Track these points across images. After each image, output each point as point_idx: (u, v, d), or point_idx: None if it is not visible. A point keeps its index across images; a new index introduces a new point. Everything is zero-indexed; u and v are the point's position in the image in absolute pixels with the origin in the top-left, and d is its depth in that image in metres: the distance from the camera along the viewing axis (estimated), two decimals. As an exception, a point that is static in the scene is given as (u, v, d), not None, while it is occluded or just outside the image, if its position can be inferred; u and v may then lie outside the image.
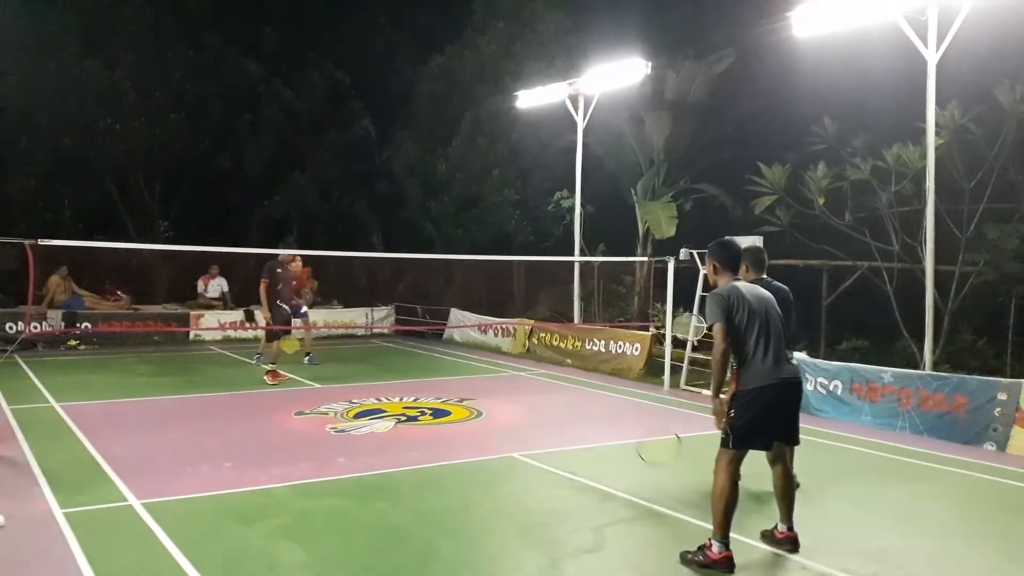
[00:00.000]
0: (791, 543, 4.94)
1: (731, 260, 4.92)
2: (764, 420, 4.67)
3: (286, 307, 11.52)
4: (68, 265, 15.95)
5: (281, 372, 11.40)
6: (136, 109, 19.20)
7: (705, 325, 4.65)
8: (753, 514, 5.42)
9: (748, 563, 4.77)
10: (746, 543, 5.01)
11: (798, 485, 5.97)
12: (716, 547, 4.61)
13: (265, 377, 11.23)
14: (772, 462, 4.98)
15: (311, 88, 21.79)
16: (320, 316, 17.08)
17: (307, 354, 13.04)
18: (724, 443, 4.70)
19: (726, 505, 4.62)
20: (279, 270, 11.46)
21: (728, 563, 4.58)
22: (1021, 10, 8.89)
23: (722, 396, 4.70)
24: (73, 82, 18.44)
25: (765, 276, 5.71)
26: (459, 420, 9.02)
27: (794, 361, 4.92)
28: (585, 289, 16.04)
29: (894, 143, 10.82)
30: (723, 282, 4.84)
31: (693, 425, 8.86)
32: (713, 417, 4.74)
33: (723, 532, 4.62)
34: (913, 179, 10.58)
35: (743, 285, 4.81)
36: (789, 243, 12.22)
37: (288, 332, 11.89)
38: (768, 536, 5.07)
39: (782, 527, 5.00)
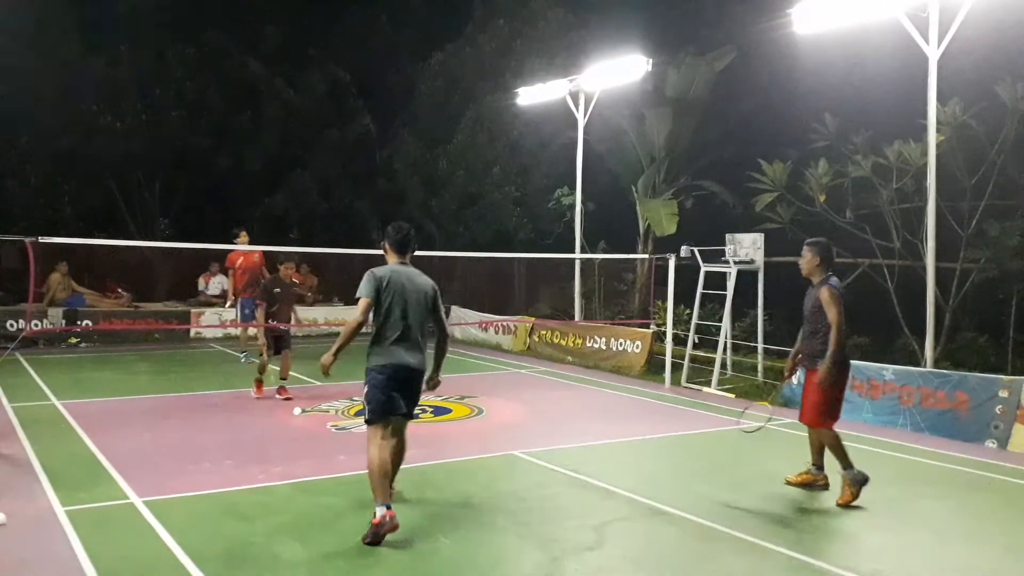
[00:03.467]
0: (390, 525, 4.88)
1: (398, 243, 5.38)
2: (392, 395, 5.11)
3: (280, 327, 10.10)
4: (69, 263, 15.96)
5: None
6: (137, 107, 19.19)
7: None
8: (754, 516, 5.42)
9: (750, 561, 4.77)
10: (749, 541, 5.01)
11: (825, 485, 6.18)
12: (379, 512, 4.86)
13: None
14: (392, 434, 5.24)
15: (311, 86, 21.76)
16: (321, 313, 17.13)
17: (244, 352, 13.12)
18: (368, 422, 5.14)
19: (373, 472, 4.96)
20: (277, 289, 10.00)
21: (389, 521, 4.83)
22: (1022, 7, 8.87)
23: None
24: (74, 80, 18.42)
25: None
26: (460, 418, 9.02)
27: (423, 352, 5.32)
28: (586, 286, 16.04)
29: (895, 140, 10.82)
30: (391, 261, 5.36)
31: (694, 423, 8.87)
32: (322, 364, 5.15)
33: (382, 497, 4.91)
34: (914, 176, 10.58)
35: (402, 269, 5.27)
36: (790, 240, 12.19)
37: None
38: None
39: (383, 509, 4.92)
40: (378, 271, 5.20)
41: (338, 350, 5.12)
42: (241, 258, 12.47)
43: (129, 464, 6.60)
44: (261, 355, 9.98)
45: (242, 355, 13.17)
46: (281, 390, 10.02)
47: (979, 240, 10.57)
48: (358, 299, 5.15)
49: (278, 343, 10.13)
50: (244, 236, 12.33)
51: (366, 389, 5.13)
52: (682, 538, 4.87)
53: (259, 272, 12.50)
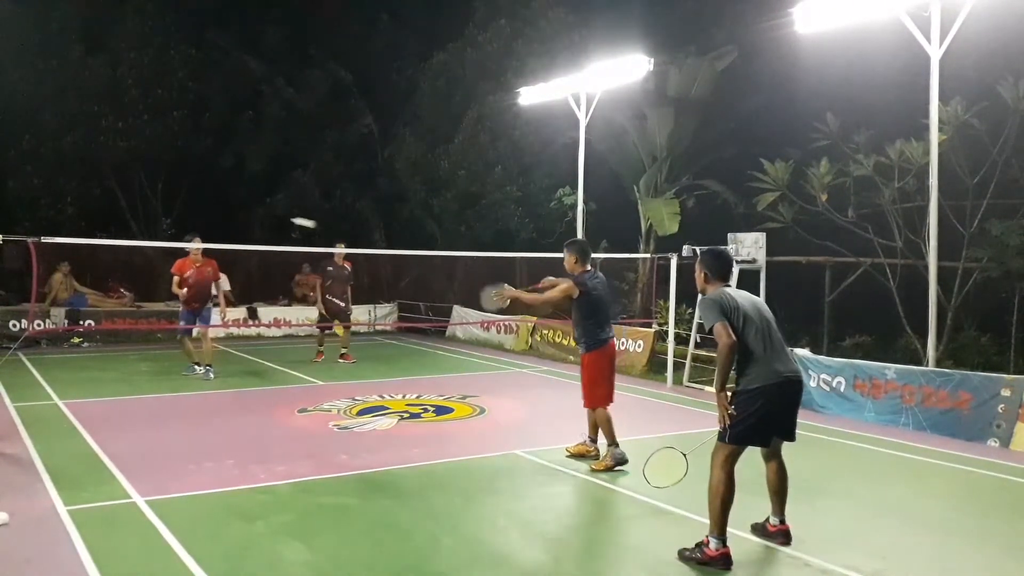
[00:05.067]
0: (783, 536, 4.98)
1: (721, 269, 5.05)
2: (764, 417, 4.69)
3: (336, 301, 13.09)
4: (71, 263, 15.99)
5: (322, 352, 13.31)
6: (138, 107, 19.22)
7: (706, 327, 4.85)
8: (756, 516, 5.40)
9: (750, 560, 4.77)
10: (752, 541, 5.01)
11: (597, 455, 6.96)
12: (713, 544, 4.58)
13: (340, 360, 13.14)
14: (767, 457, 5.01)
15: (313, 86, 21.79)
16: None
17: (208, 365, 11.48)
18: (721, 437, 4.72)
19: (723, 501, 4.61)
20: (329, 268, 13.10)
21: (726, 560, 4.56)
22: (1024, 6, 8.86)
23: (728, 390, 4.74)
24: (76, 80, 18.47)
25: (589, 268, 7.02)
26: (462, 417, 9.03)
27: (795, 359, 4.99)
28: (588, 286, 16.00)
29: (897, 139, 10.82)
30: (712, 289, 4.96)
31: (696, 421, 8.86)
32: (718, 411, 4.73)
33: (720, 528, 4.60)
34: (916, 175, 10.58)
35: (731, 290, 4.92)
36: (792, 239, 12.21)
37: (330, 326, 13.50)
38: (759, 529, 5.10)
39: (774, 520, 5.04)
40: (711, 296, 4.86)
41: (722, 385, 4.72)
42: (192, 271, 10.85)
43: (131, 464, 6.61)
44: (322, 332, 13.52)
45: (199, 369, 11.47)
46: (344, 356, 13.27)
47: (981, 239, 10.56)
48: (709, 331, 4.80)
49: (336, 317, 13.13)
50: (199, 242, 10.97)
51: (732, 410, 4.69)
52: (684, 538, 4.87)
53: (208, 287, 11.08)
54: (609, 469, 6.65)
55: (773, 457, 5.00)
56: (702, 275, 5.07)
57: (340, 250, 13.09)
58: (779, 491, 5.01)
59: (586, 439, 7.15)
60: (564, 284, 6.90)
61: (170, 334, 15.91)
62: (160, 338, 15.97)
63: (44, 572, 4.44)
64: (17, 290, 16.04)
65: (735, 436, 4.67)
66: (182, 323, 11.33)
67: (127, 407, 9.47)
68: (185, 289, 10.88)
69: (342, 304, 13.12)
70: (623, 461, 6.68)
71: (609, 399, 6.88)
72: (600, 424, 6.85)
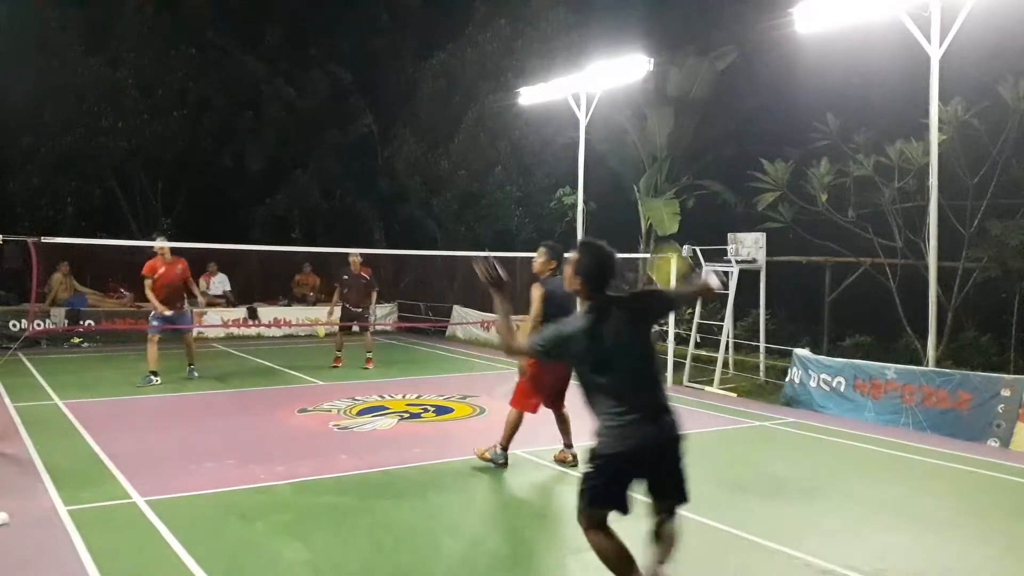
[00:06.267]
0: None
1: (603, 277, 3.73)
2: (625, 484, 3.86)
3: (353, 310, 12.66)
4: (71, 263, 15.99)
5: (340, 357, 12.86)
6: (138, 107, 19.21)
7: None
8: (757, 515, 5.41)
9: (750, 560, 4.76)
10: (752, 541, 5.01)
11: (575, 462, 6.71)
12: None
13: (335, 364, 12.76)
14: (654, 513, 4.08)
15: (313, 86, 21.80)
16: (322, 313, 17.12)
17: (190, 364, 11.64)
18: (580, 497, 3.88)
19: (619, 559, 3.88)
20: (345, 276, 12.75)
21: None
22: (1024, 6, 8.86)
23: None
24: (76, 80, 18.46)
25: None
26: (462, 417, 9.03)
27: (672, 413, 3.83)
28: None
29: (897, 139, 10.81)
30: (585, 302, 3.83)
31: (696, 422, 8.85)
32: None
33: None
34: (916, 175, 10.57)
35: (603, 317, 3.70)
36: (792, 239, 12.21)
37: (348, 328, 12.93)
38: None
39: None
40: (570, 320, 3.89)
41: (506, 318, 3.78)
42: (162, 268, 10.76)
43: (131, 464, 6.61)
44: (336, 333, 13.05)
45: (156, 379, 10.81)
46: (368, 361, 12.77)
47: (981, 239, 10.56)
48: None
49: (357, 322, 12.71)
50: (162, 242, 10.95)
51: (588, 467, 3.96)
52: (685, 538, 4.86)
53: (180, 286, 11.00)
54: (486, 460, 6.74)
55: (660, 513, 4.03)
56: (578, 281, 3.74)
57: (356, 257, 12.65)
58: (660, 548, 4.01)
59: (563, 447, 7.05)
60: (534, 307, 6.41)
61: (169, 334, 15.89)
62: (160, 338, 15.94)
63: (44, 572, 4.44)
64: (17, 290, 16.04)
65: (588, 501, 3.82)
66: (155, 324, 10.98)
67: (127, 407, 9.47)
68: (156, 294, 10.70)
69: (359, 310, 12.64)
70: (499, 463, 6.70)
71: (532, 410, 6.70)
72: (507, 423, 6.70)
